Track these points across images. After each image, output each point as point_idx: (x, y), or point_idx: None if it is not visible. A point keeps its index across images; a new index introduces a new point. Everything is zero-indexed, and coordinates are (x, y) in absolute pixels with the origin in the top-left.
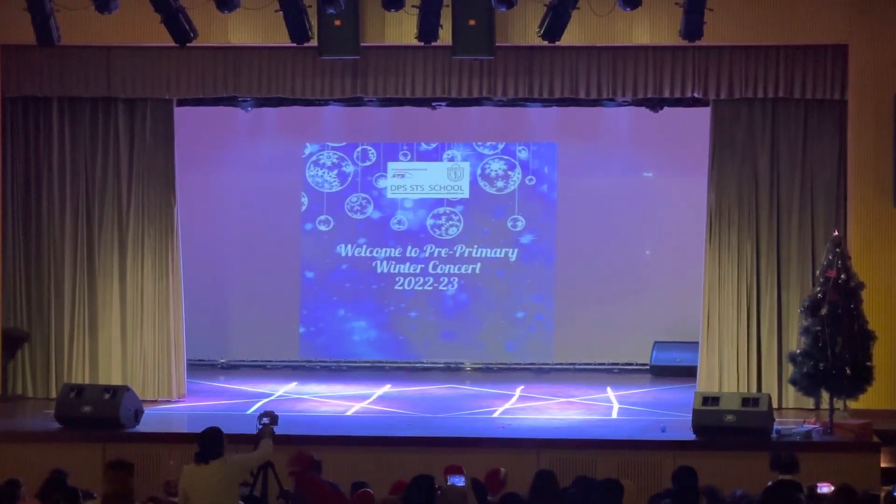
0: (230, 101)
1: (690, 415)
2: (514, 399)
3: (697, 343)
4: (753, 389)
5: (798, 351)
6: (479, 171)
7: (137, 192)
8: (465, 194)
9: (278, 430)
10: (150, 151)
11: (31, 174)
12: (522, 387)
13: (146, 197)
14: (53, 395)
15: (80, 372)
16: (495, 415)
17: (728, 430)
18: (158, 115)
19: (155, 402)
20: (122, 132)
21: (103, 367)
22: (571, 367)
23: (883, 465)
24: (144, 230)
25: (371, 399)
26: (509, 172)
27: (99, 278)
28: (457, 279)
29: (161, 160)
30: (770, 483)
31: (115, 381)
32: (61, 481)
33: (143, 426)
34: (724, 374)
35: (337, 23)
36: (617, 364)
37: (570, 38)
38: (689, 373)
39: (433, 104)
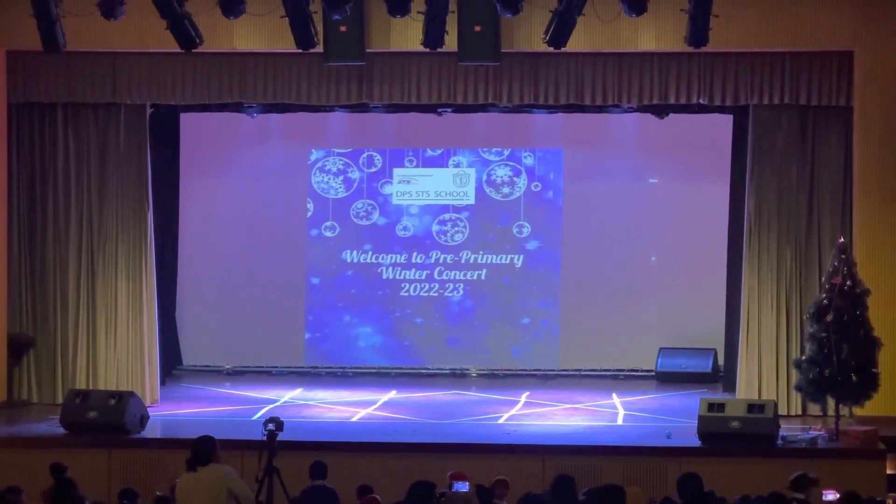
0: (236, 107)
1: (696, 421)
2: (519, 405)
3: (702, 349)
4: (794, 395)
5: (803, 357)
6: (484, 178)
7: (113, 198)
8: (471, 200)
9: (284, 435)
10: (124, 157)
11: (37, 180)
12: (528, 393)
13: (120, 203)
14: (59, 400)
15: (83, 377)
16: (501, 421)
17: (733, 436)
18: (132, 121)
19: None
20: (95, 138)
21: (100, 372)
22: (577, 373)
23: (889, 471)
24: (119, 236)
25: (376, 405)
26: (515, 179)
27: (99, 284)
28: (462, 285)
29: (134, 166)
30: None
31: (93, 385)
32: (69, 487)
33: (148, 432)
34: (764, 379)
35: (342, 29)
36: (622, 370)
37: (575, 44)
38: (694, 379)
39: (439, 110)
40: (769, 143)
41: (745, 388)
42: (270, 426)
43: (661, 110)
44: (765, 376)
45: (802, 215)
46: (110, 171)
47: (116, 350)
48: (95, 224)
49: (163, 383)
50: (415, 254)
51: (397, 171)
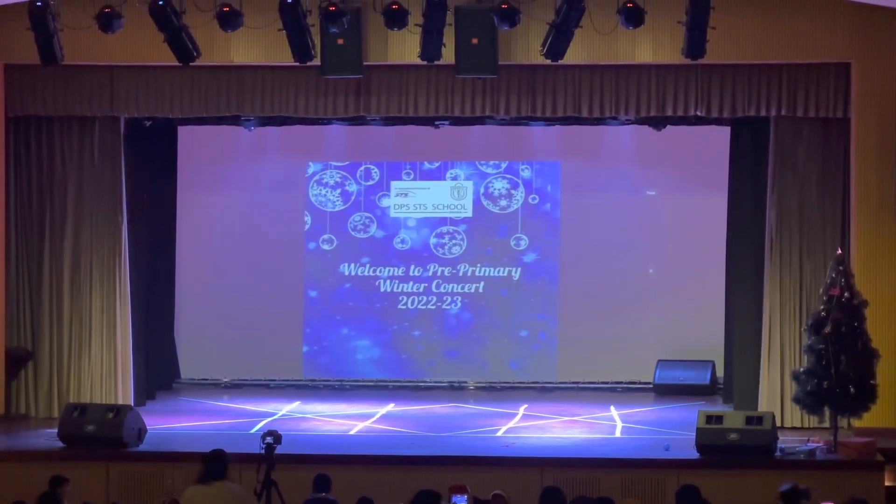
0: (233, 121)
1: (694, 433)
2: (517, 418)
3: (700, 362)
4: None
5: (802, 369)
6: (482, 190)
7: (89, 212)
8: (469, 213)
9: (282, 449)
10: (98, 171)
11: (34, 193)
12: (526, 405)
13: (95, 216)
14: (56, 414)
15: (73, 391)
16: (499, 434)
17: (731, 448)
18: (106, 134)
19: None
20: (79, 150)
21: (75, 387)
22: (575, 385)
23: (887, 483)
24: (93, 250)
25: (375, 418)
26: (512, 191)
27: (83, 299)
28: (460, 298)
29: (108, 179)
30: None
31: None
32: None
33: (147, 445)
34: (787, 393)
35: (340, 42)
36: (620, 383)
37: (573, 56)
38: (692, 391)
39: (436, 123)
40: (790, 154)
41: (767, 402)
42: (269, 439)
43: (658, 122)
44: (787, 390)
45: (820, 228)
46: (87, 183)
47: (91, 365)
48: (81, 237)
49: (152, 397)
50: (412, 266)
51: (395, 184)
